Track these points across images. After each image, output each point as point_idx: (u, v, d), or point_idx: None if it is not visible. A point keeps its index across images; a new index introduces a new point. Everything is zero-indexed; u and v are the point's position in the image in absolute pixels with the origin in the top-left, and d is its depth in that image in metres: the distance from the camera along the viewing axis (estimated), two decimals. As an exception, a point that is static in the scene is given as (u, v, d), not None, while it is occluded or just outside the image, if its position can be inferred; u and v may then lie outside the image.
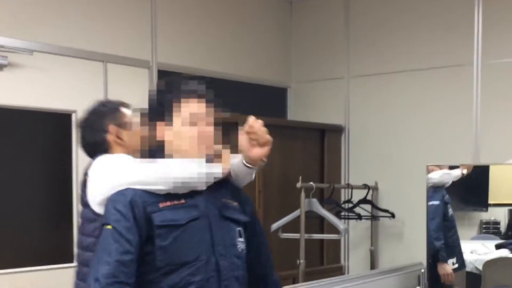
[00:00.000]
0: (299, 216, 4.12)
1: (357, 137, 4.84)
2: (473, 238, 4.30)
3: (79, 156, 3.79)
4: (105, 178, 2.14)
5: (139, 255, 1.97)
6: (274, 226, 4.20)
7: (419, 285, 4.04)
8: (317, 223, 4.60)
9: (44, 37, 3.65)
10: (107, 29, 3.96)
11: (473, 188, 4.08)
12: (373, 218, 4.61)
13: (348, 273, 4.80)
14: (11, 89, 3.54)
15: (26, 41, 3.56)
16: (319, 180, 4.67)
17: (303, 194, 4.15)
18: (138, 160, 2.12)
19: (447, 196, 4.00)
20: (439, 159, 4.25)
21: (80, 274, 2.50)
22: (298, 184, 4.14)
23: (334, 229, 4.29)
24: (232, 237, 2.12)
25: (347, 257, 4.91)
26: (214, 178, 2.10)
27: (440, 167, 4.00)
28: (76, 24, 3.80)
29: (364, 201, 4.54)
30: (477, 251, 4.22)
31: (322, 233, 4.65)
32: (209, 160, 2.07)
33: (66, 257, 3.79)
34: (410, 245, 4.52)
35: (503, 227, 4.30)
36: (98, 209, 2.19)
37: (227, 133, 2.15)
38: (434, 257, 3.99)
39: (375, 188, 4.68)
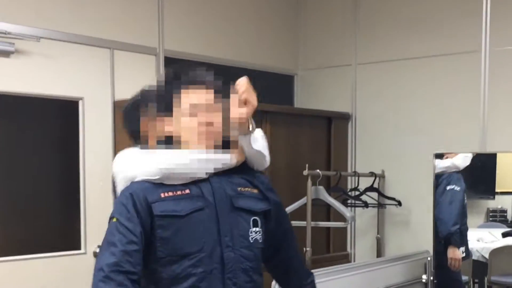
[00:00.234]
0: (305, 204, 4.12)
1: (364, 124, 4.82)
2: (480, 226, 4.31)
3: (86, 143, 3.80)
4: (116, 173, 2.17)
5: (143, 245, 1.97)
6: (281, 213, 4.20)
7: (425, 273, 4.05)
8: (324, 211, 4.60)
9: (51, 23, 3.65)
10: (114, 16, 3.95)
11: (480, 176, 4.07)
12: (380, 206, 4.60)
13: (354, 261, 4.81)
14: (18, 76, 3.54)
15: (33, 28, 3.56)
16: (325, 167, 4.67)
17: (309, 182, 4.15)
18: (142, 152, 2.10)
19: (464, 185, 4.00)
20: (446, 146, 4.24)
21: None
22: (305, 172, 4.13)
23: (341, 217, 4.29)
24: (243, 227, 2.08)
25: (353, 245, 4.91)
26: (222, 165, 2.08)
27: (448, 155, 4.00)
28: (83, 11, 3.79)
29: (370, 189, 4.53)
30: (484, 239, 4.22)
31: (329, 221, 4.65)
32: (217, 148, 2.04)
33: (73, 245, 3.81)
34: (417, 233, 4.52)
35: (510, 215, 4.29)
36: None
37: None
38: (447, 241, 3.98)
39: (382, 176, 4.67)
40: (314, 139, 4.67)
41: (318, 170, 4.19)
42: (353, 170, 4.78)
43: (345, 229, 4.80)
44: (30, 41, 3.53)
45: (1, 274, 3.49)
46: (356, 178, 4.55)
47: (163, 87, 2.09)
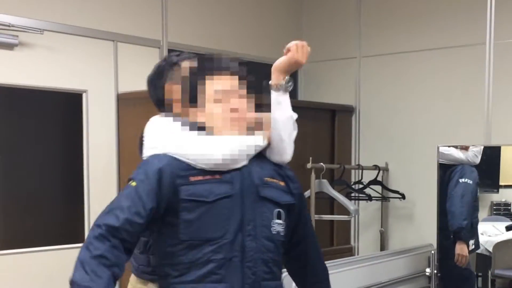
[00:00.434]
0: (309, 197, 4.12)
1: (368, 117, 4.82)
2: (484, 220, 4.29)
3: (89, 136, 3.80)
4: (149, 140, 2.11)
5: (149, 221, 1.95)
6: (284, 206, 4.20)
7: (429, 266, 4.04)
8: (327, 204, 4.61)
9: (55, 16, 3.65)
10: (118, 8, 3.94)
11: (484, 169, 4.05)
12: (383, 199, 4.60)
13: (358, 254, 4.81)
14: (22, 69, 3.54)
15: (36, 20, 3.55)
16: (329, 161, 4.67)
17: (313, 175, 4.15)
18: (183, 128, 2.05)
19: (477, 178, 3.99)
20: (450, 140, 4.23)
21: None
22: (309, 165, 4.13)
23: (344, 210, 4.29)
24: (266, 217, 2.06)
25: (357, 238, 4.91)
26: (255, 149, 2.07)
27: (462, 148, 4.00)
28: (86, 3, 3.79)
29: (374, 182, 4.53)
30: (488, 232, 4.21)
31: (332, 214, 4.65)
32: (247, 132, 2.04)
33: (77, 237, 3.81)
34: (420, 226, 4.52)
35: (514, 209, 4.28)
36: None
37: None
38: (456, 235, 3.97)
39: (386, 169, 4.67)
40: (318, 132, 4.67)
41: (321, 163, 4.19)
42: (356, 163, 4.77)
43: (348, 222, 4.80)
44: (34, 34, 3.53)
45: (5, 267, 3.50)
46: (360, 171, 4.55)
47: (188, 78, 2.07)
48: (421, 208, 4.52)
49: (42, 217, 3.74)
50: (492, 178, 4.17)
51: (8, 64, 3.49)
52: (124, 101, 3.92)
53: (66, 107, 3.85)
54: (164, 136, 2.07)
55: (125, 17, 3.97)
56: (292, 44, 2.31)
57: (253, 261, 2.02)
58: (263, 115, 2.09)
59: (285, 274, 2.30)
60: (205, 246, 1.97)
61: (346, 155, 4.84)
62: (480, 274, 4.23)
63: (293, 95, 5.07)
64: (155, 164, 1.99)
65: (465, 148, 4.00)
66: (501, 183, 4.20)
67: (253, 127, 2.05)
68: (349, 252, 4.82)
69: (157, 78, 2.29)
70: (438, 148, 4.01)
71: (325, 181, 4.21)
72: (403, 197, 4.52)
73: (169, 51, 4.14)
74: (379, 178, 4.55)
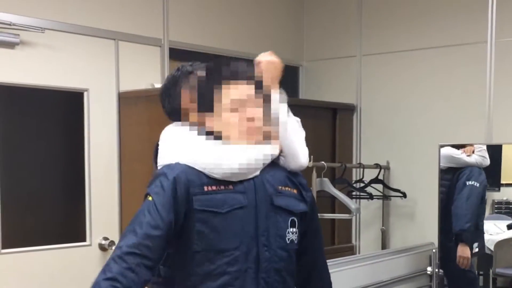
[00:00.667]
0: (310, 196, 4.11)
1: (369, 116, 4.81)
2: (485, 218, 4.28)
3: (91, 135, 3.80)
4: (164, 149, 2.10)
5: (170, 234, 1.94)
6: (286, 205, 4.20)
7: (430, 265, 4.04)
8: (329, 203, 4.60)
9: (56, 15, 3.64)
10: (119, 7, 3.94)
11: (485, 168, 4.05)
12: (385, 197, 4.60)
13: (359, 252, 4.80)
14: (23, 68, 3.54)
15: (37, 19, 3.55)
16: (330, 159, 4.66)
17: (314, 174, 4.15)
18: (198, 137, 2.05)
19: (486, 180, 4.00)
20: (451, 138, 4.22)
21: None
22: (310, 164, 4.11)
23: (346, 209, 4.28)
24: (280, 227, 2.06)
25: (358, 236, 4.90)
26: (271, 157, 2.06)
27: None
28: (87, 2, 3.79)
29: (375, 180, 4.52)
30: (489, 231, 4.21)
31: (334, 212, 4.65)
32: (261, 142, 2.02)
33: (78, 236, 3.81)
34: (422, 225, 4.51)
35: (515, 207, 4.28)
36: None
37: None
38: (458, 237, 3.97)
39: (387, 168, 4.66)
40: (319, 130, 4.66)
41: (323, 162, 4.18)
42: (358, 161, 4.77)
43: (350, 221, 4.80)
44: (35, 33, 3.52)
45: (6, 266, 3.49)
46: (361, 169, 4.54)
47: (203, 83, 2.05)
48: (423, 206, 4.51)
49: (43, 216, 3.74)
50: (494, 176, 4.16)
51: (9, 63, 3.49)
52: (125, 100, 3.91)
53: (67, 106, 3.84)
54: (180, 145, 2.06)
55: (126, 16, 3.97)
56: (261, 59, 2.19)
57: (267, 271, 2.01)
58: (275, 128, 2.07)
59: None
60: (220, 257, 1.96)
61: (347, 154, 4.84)
62: (481, 273, 4.23)
63: (294, 93, 5.11)
64: (169, 174, 1.97)
65: (470, 152, 4.00)
66: (502, 182, 4.19)
67: (269, 137, 2.04)
68: (350, 250, 4.82)
69: (172, 87, 2.26)
70: (439, 146, 4.01)
71: (326, 179, 4.20)
72: (404, 195, 4.52)
73: (170, 49, 4.14)
74: (380, 177, 4.55)
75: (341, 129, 4.80)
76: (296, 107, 4.40)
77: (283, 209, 2.08)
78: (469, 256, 3.95)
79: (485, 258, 4.13)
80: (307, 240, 2.22)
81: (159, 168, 2.06)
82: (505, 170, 4.15)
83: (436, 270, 3.97)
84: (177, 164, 2.00)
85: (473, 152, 4.00)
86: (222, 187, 1.99)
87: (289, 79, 5.08)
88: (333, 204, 4.64)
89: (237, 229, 1.98)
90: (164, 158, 2.07)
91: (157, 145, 2.18)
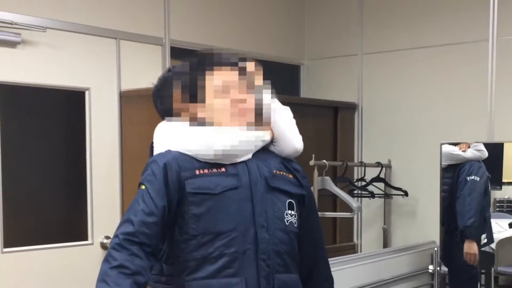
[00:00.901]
0: (312, 194, 4.12)
1: (371, 114, 4.81)
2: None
3: (92, 134, 3.80)
4: (157, 143, 2.13)
5: (166, 220, 1.96)
6: (287, 204, 4.20)
7: (432, 263, 4.04)
8: (330, 201, 4.60)
9: (57, 14, 3.64)
10: (120, 6, 3.94)
11: (487, 166, 4.05)
12: (386, 196, 4.60)
13: (361, 251, 4.81)
14: (24, 67, 3.54)
15: (39, 18, 3.55)
16: (332, 158, 4.66)
17: (316, 172, 4.15)
18: (189, 126, 2.07)
19: (487, 172, 4.00)
20: (453, 136, 4.23)
21: None
22: (311, 162, 4.13)
23: (347, 207, 4.28)
24: (278, 209, 2.06)
25: (360, 235, 4.90)
26: (263, 141, 2.08)
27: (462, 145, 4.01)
28: (88, 1, 3.79)
29: (377, 179, 4.52)
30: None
31: (335, 211, 4.65)
32: (252, 124, 2.04)
33: (80, 235, 3.82)
34: (423, 224, 4.51)
35: (517, 206, 4.28)
36: None
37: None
38: (462, 234, 3.98)
39: (388, 166, 4.66)
40: (321, 129, 4.67)
41: (324, 161, 4.19)
42: (359, 160, 4.77)
43: (351, 219, 4.80)
44: (36, 32, 3.52)
45: (8, 265, 3.50)
46: (363, 168, 4.55)
47: (188, 74, 2.08)
48: (424, 205, 4.51)
49: (44, 215, 3.74)
50: (495, 175, 4.16)
51: (11, 62, 3.49)
52: (127, 99, 3.92)
53: (69, 105, 3.85)
54: (170, 134, 2.09)
55: (127, 15, 3.97)
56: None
57: (267, 253, 2.00)
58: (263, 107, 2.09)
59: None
60: (217, 240, 1.96)
61: (348, 152, 4.84)
62: (483, 271, 4.22)
63: (295, 92, 5.11)
64: (160, 160, 2.00)
65: (465, 148, 4.01)
66: (504, 180, 4.19)
67: (256, 120, 2.05)
68: (352, 249, 4.82)
69: (164, 88, 2.30)
70: (441, 145, 4.01)
71: (327, 178, 4.21)
72: (406, 194, 4.52)
73: (172, 48, 4.14)
74: (382, 175, 4.55)
75: (343, 127, 4.81)
76: (297, 106, 4.41)
77: (280, 191, 2.08)
78: (476, 252, 3.95)
79: (486, 256, 4.13)
80: (307, 234, 2.21)
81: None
82: (506, 169, 4.15)
83: (438, 268, 3.98)
84: (168, 151, 2.03)
85: (468, 147, 4.01)
86: (215, 170, 2.00)
87: (290, 78, 5.09)
88: (334, 202, 4.64)
89: (232, 211, 1.98)
90: (157, 150, 2.10)
91: (152, 144, 2.21)
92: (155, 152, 2.11)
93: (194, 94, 2.06)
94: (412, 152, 4.58)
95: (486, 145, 4.06)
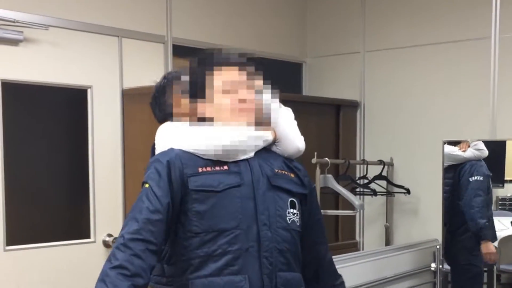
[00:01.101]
0: (314, 192, 4.11)
1: (373, 112, 4.81)
2: (489, 215, 4.29)
3: (95, 132, 3.80)
4: (159, 144, 2.15)
5: (170, 217, 1.96)
6: (289, 202, 4.20)
7: (434, 261, 4.04)
8: (332, 199, 4.60)
9: (60, 12, 3.65)
10: (122, 4, 3.94)
11: (489, 164, 4.05)
12: (389, 194, 4.59)
13: (363, 249, 4.81)
14: (27, 65, 3.54)
15: (41, 16, 3.55)
16: (334, 156, 4.66)
17: (318, 170, 4.15)
18: (191, 125, 2.09)
19: (488, 170, 4.00)
20: (455, 134, 4.23)
21: None
22: (313, 160, 4.13)
23: (349, 205, 4.28)
24: (280, 207, 2.06)
25: (362, 233, 4.90)
26: (263, 142, 2.09)
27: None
28: (90, -1, 3.80)
29: (379, 177, 4.52)
30: (493, 227, 4.20)
31: (337, 209, 4.65)
32: (252, 124, 2.05)
33: (82, 233, 3.82)
34: (426, 221, 4.51)
35: (519, 204, 4.28)
36: None
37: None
38: (477, 236, 3.98)
39: (391, 164, 4.66)
40: (323, 127, 4.67)
41: (326, 158, 4.18)
42: (361, 158, 4.77)
43: (353, 217, 4.80)
44: (39, 30, 3.53)
45: (11, 262, 3.50)
46: (365, 166, 4.55)
47: (196, 69, 2.08)
48: (426, 203, 4.51)
49: (47, 213, 3.75)
50: (497, 173, 4.16)
51: (13, 60, 3.49)
52: (129, 97, 3.92)
53: (71, 103, 3.85)
54: (172, 134, 2.11)
55: (129, 13, 3.97)
56: None
57: (269, 251, 2.00)
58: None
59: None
60: (220, 237, 1.97)
61: (351, 150, 4.84)
62: (485, 269, 4.22)
63: (297, 90, 5.10)
64: (163, 158, 2.01)
65: (465, 147, 4.01)
66: (506, 178, 4.19)
67: (256, 119, 2.06)
68: (354, 247, 4.82)
69: (161, 95, 2.35)
70: (443, 142, 4.01)
71: (330, 176, 4.20)
72: (408, 192, 4.52)
73: (174, 46, 4.14)
74: (384, 173, 4.55)
75: (345, 125, 4.80)
76: (300, 103, 4.42)
77: (282, 190, 2.09)
78: (494, 250, 3.96)
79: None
80: (310, 234, 2.21)
81: None
82: (509, 166, 4.14)
83: (440, 266, 3.98)
84: (171, 149, 2.04)
85: (468, 146, 4.01)
86: (217, 168, 2.02)
87: (292, 76, 5.08)
88: (336, 200, 4.64)
89: (235, 208, 1.99)
90: (159, 150, 2.11)
91: (154, 145, 2.23)
92: (157, 152, 2.12)
93: (199, 90, 2.07)
94: (414, 150, 4.58)
95: (488, 143, 4.07)
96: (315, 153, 4.13)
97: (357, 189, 4.53)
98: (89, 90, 3.81)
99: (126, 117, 3.92)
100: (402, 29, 4.65)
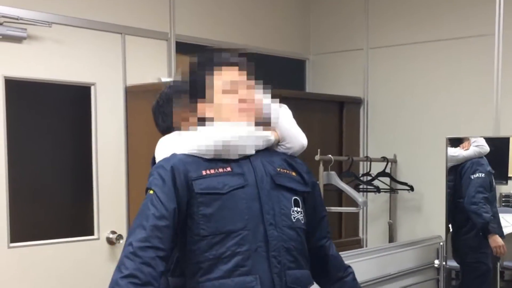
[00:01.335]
0: (317, 189, 4.11)
1: (376, 109, 4.81)
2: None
3: (98, 129, 3.81)
4: (159, 155, 2.15)
5: (177, 223, 1.96)
6: (293, 198, 4.20)
7: (437, 258, 4.04)
8: (336, 196, 4.60)
9: (63, 9, 3.65)
10: (126, 1, 3.94)
11: (492, 161, 4.05)
12: (392, 191, 4.59)
13: (366, 246, 4.81)
14: (30, 62, 3.55)
15: (44, 13, 3.56)
16: (337, 152, 4.66)
17: (321, 167, 4.15)
18: (189, 132, 2.10)
19: (489, 167, 4.00)
20: (459, 131, 4.22)
21: None
22: (317, 157, 4.13)
23: (353, 202, 4.28)
24: (284, 206, 2.07)
25: (365, 230, 4.90)
26: (264, 141, 2.10)
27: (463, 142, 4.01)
28: (94, -4, 3.80)
29: (382, 174, 4.52)
30: (496, 224, 4.20)
31: (341, 206, 4.65)
32: (255, 124, 2.06)
33: (86, 230, 3.82)
34: (429, 218, 4.51)
35: (523, 201, 4.27)
36: None
37: None
38: (485, 231, 3.98)
39: (394, 161, 4.66)
40: (326, 124, 4.66)
41: (330, 155, 4.18)
42: (365, 155, 4.76)
43: (357, 214, 4.80)
44: (42, 27, 3.53)
45: (15, 259, 3.51)
46: (368, 163, 4.54)
47: (195, 70, 2.09)
48: (430, 200, 4.51)
49: (50, 210, 3.75)
50: (501, 169, 4.16)
51: (17, 57, 3.50)
52: (133, 94, 3.92)
53: (75, 100, 3.85)
54: (172, 141, 2.12)
55: (133, 10, 3.97)
56: None
57: (277, 250, 2.01)
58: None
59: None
60: (228, 239, 1.97)
61: (354, 147, 4.84)
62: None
63: (301, 87, 5.10)
64: (166, 164, 2.01)
65: (468, 146, 4.01)
66: (510, 175, 4.18)
67: (261, 119, 2.07)
68: (358, 244, 4.82)
69: (166, 104, 2.33)
70: (446, 139, 4.00)
71: (333, 173, 4.20)
72: (412, 189, 4.52)
73: (177, 43, 4.14)
74: (388, 170, 4.55)
75: (348, 122, 4.80)
76: (303, 100, 4.42)
77: (286, 188, 2.10)
78: (503, 243, 3.96)
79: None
80: (314, 226, 2.22)
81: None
82: (512, 163, 4.14)
83: (444, 263, 3.97)
84: (173, 155, 2.05)
85: (470, 144, 4.01)
86: (221, 170, 2.02)
87: (296, 73, 5.08)
88: (340, 197, 4.64)
89: (241, 209, 2.00)
90: (160, 158, 2.11)
91: (154, 158, 2.23)
92: (158, 160, 2.12)
93: (199, 90, 2.08)
94: (417, 146, 4.58)
95: (492, 140, 4.06)
96: (319, 150, 4.13)
97: (361, 186, 4.53)
98: (92, 87, 3.81)
99: (130, 114, 3.92)
100: (405, 26, 4.64)
